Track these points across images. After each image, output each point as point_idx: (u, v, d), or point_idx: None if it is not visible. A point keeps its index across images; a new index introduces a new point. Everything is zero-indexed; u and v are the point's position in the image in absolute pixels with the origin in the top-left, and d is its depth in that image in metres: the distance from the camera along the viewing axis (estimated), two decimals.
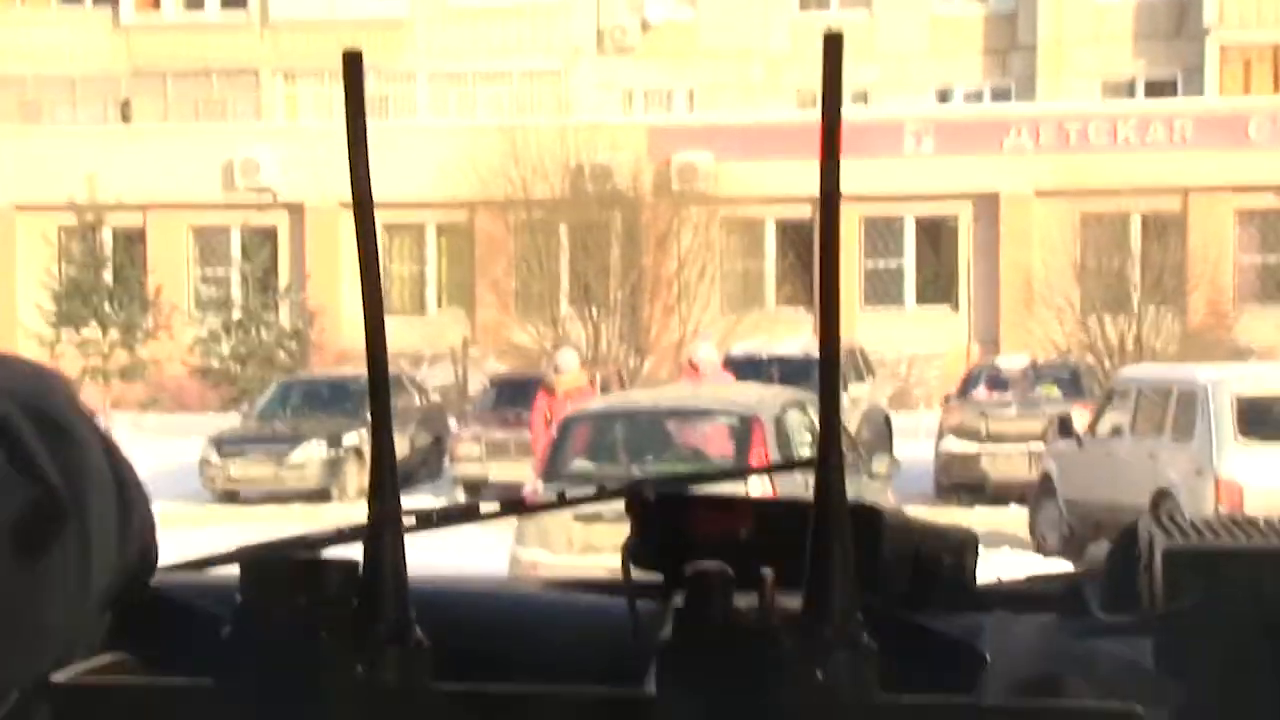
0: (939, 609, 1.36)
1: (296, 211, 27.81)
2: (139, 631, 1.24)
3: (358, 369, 22.05)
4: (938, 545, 1.44)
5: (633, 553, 1.36)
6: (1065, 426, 13.98)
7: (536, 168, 25.67)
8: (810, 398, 12.11)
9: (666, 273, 25.57)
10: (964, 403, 18.01)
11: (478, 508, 1.93)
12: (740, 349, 20.60)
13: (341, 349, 27.37)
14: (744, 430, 10.10)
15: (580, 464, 10.15)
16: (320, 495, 17.58)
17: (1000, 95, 29.80)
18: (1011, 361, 19.62)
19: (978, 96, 29.95)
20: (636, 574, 1.35)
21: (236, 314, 26.09)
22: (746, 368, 18.28)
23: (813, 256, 26.80)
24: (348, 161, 1.04)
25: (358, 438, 18.08)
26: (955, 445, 17.05)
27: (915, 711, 1.09)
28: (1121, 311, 22.88)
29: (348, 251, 27.70)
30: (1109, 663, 1.27)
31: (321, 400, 19.07)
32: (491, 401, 17.76)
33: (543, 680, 1.20)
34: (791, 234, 27.25)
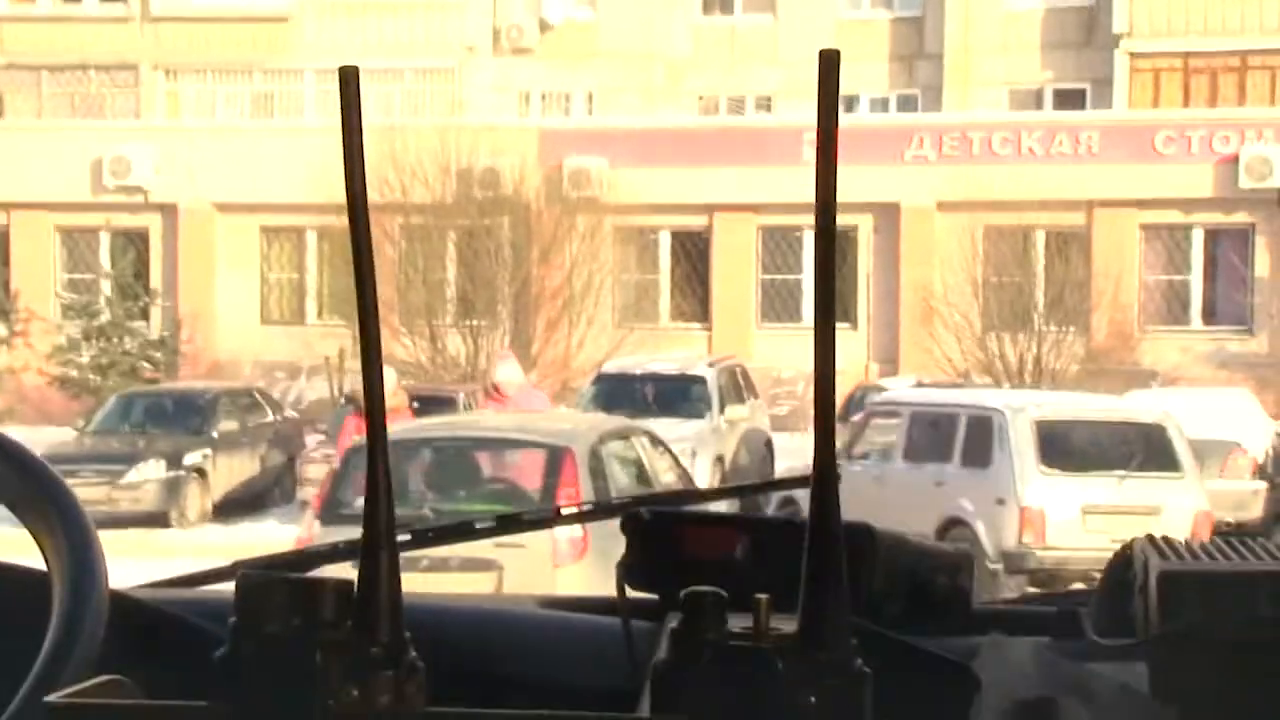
0: (933, 631, 1.39)
1: (170, 213, 26.64)
2: (133, 650, 1.27)
3: (209, 382, 21.09)
4: (932, 566, 1.47)
5: (628, 573, 1.42)
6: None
7: (419, 171, 24.78)
8: (641, 428, 11.16)
9: (554, 283, 24.80)
10: (842, 428, 17.18)
11: (472, 525, 1.96)
12: (614, 365, 19.68)
13: (216, 360, 26.27)
14: (554, 462, 9.04)
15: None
16: (158, 519, 16.45)
17: (907, 104, 29.16)
18: (894, 385, 18.85)
19: (884, 105, 29.31)
20: (632, 594, 1.40)
21: (102, 320, 24.80)
22: (618, 385, 17.37)
23: (709, 269, 26.16)
24: (344, 178, 1.03)
25: (201, 457, 16.94)
26: None
27: None
28: (1022, 331, 22.37)
29: (224, 256, 26.95)
30: (1103, 686, 1.29)
31: (165, 415, 17.93)
32: (344, 419, 16.66)
33: (538, 702, 1.21)
34: (688, 245, 26.58)
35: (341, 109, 1.03)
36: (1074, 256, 23.07)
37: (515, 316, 24.52)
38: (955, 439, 12.39)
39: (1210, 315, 24.46)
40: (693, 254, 26.36)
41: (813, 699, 1.03)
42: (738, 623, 1.05)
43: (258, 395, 19.27)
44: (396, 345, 23.72)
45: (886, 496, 11.98)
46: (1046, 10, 28.48)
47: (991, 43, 28.61)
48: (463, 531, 1.89)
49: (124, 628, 1.28)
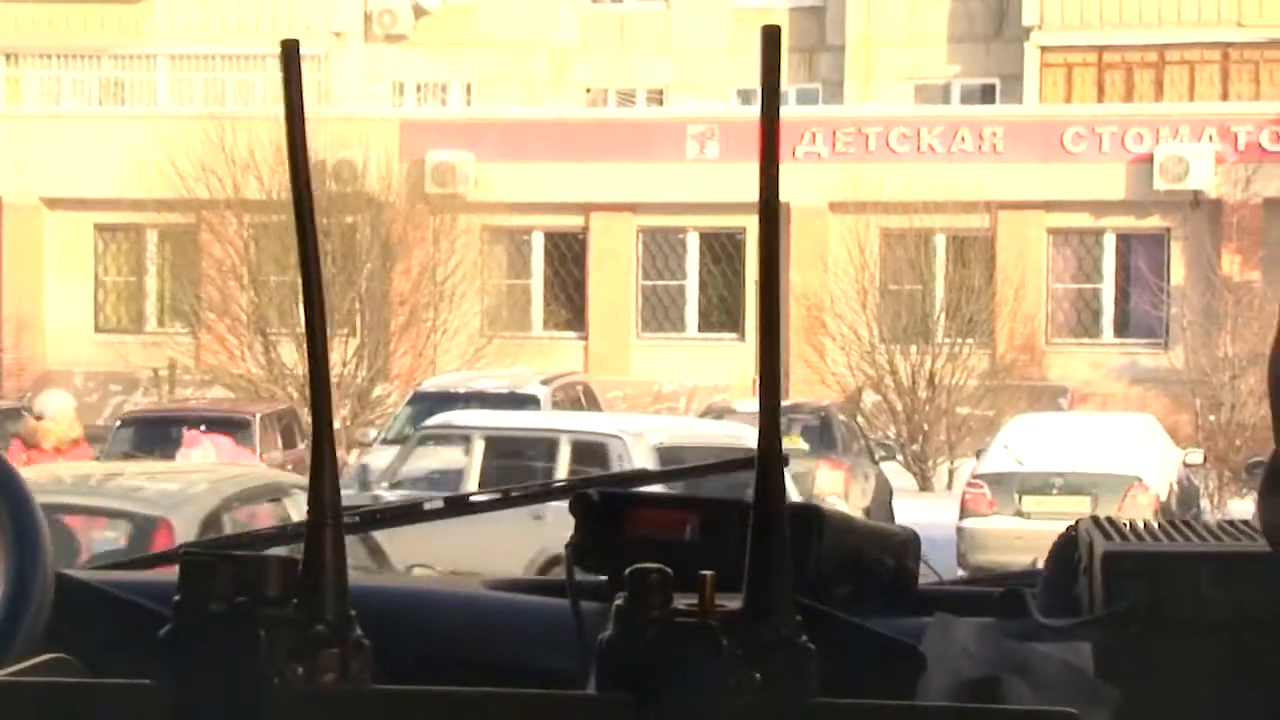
0: (880, 610, 1.45)
1: None
2: (79, 629, 1.34)
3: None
4: (880, 547, 1.53)
5: (577, 554, 1.47)
6: None
7: (273, 164, 22.74)
8: (299, 482, 8.59)
9: (410, 288, 23.02)
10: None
11: (421, 506, 2.06)
12: (434, 383, 17.86)
13: (46, 370, 24.16)
14: (139, 540, 6.82)
15: None
16: None
17: (807, 98, 27.60)
18: (749, 405, 17.14)
19: (783, 100, 27.57)
20: (582, 575, 1.45)
21: None
22: (438, 406, 15.55)
23: (585, 273, 24.53)
24: (287, 158, 1.07)
25: None
26: None
27: (853, 713, 1.12)
28: (918, 343, 21.19)
29: (54, 256, 24.92)
30: (1048, 665, 1.33)
31: None
32: (127, 443, 14.71)
33: (486, 682, 1.24)
34: (563, 248, 24.85)
35: (284, 86, 1.07)
36: (976, 262, 21.93)
37: (367, 324, 22.69)
38: (557, 467, 11.38)
39: (1123, 327, 23.35)
40: (567, 257, 24.93)
41: (757, 675, 1.06)
42: (687, 602, 1.07)
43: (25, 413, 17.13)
44: (225, 356, 21.86)
45: (471, 530, 10.10)
46: (953, 1, 26.93)
47: (896, 34, 27.12)
48: (410, 514, 2.03)
49: (70, 608, 1.37)
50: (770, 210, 1.04)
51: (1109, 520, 1.47)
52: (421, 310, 23.06)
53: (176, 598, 1.09)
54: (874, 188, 21.77)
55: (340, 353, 21.89)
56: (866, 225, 22.01)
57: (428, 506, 1.95)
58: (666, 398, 23.39)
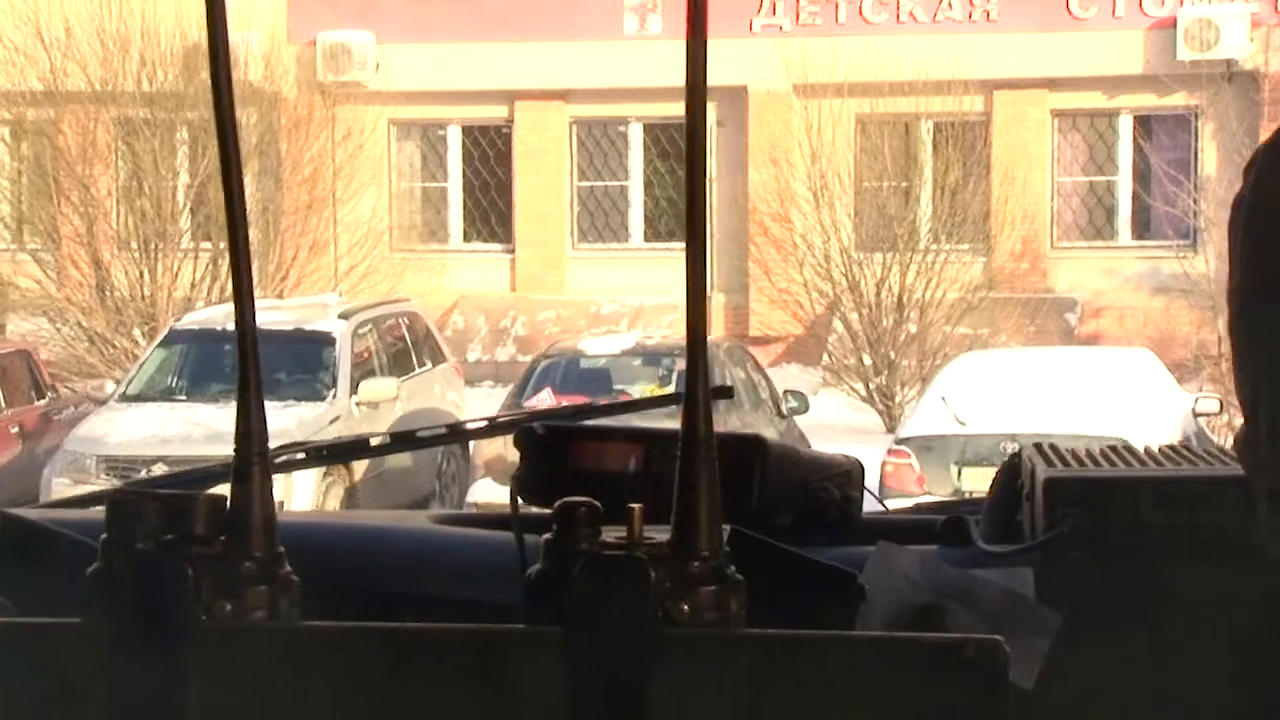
0: (823, 540, 1.56)
1: None
2: (19, 566, 1.43)
3: None
4: (823, 476, 1.65)
5: (522, 486, 1.57)
6: None
7: (141, 50, 20.13)
8: None
9: (312, 195, 20.79)
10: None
11: (367, 441, 2.12)
12: (197, 317, 15.00)
13: None
14: None
15: None
16: None
17: None
18: (616, 343, 14.38)
19: None
20: (526, 508, 1.54)
21: None
22: (198, 348, 13.14)
23: (511, 174, 21.75)
24: (213, 102, 1.08)
25: None
26: None
27: (782, 643, 1.18)
28: (900, 250, 18.78)
29: None
30: (990, 592, 1.41)
31: None
32: None
33: (431, 617, 1.29)
34: (485, 144, 22.47)
35: (208, 32, 1.13)
36: (968, 153, 19.76)
37: (259, 239, 19.91)
38: None
39: (1142, 227, 21.14)
40: (490, 155, 22.32)
41: (685, 606, 1.11)
42: (619, 535, 1.13)
43: None
44: (98, 275, 19.13)
45: None
46: None
47: None
48: (352, 450, 2.19)
49: (11, 545, 1.47)
50: (696, 98, 1.01)
51: (1051, 447, 1.57)
52: (318, 223, 20.49)
53: (104, 536, 1.13)
54: (847, 66, 19.52)
55: (211, 271, 19.13)
56: (838, 111, 19.68)
57: (374, 443, 2.03)
58: (606, 319, 20.86)
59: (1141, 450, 1.55)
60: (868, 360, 17.99)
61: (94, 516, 1.64)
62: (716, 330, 21.07)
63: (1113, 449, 1.56)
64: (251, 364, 1.22)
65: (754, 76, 20.41)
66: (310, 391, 13.06)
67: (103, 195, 19.98)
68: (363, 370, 13.80)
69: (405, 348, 14.94)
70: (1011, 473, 1.58)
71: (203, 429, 11.57)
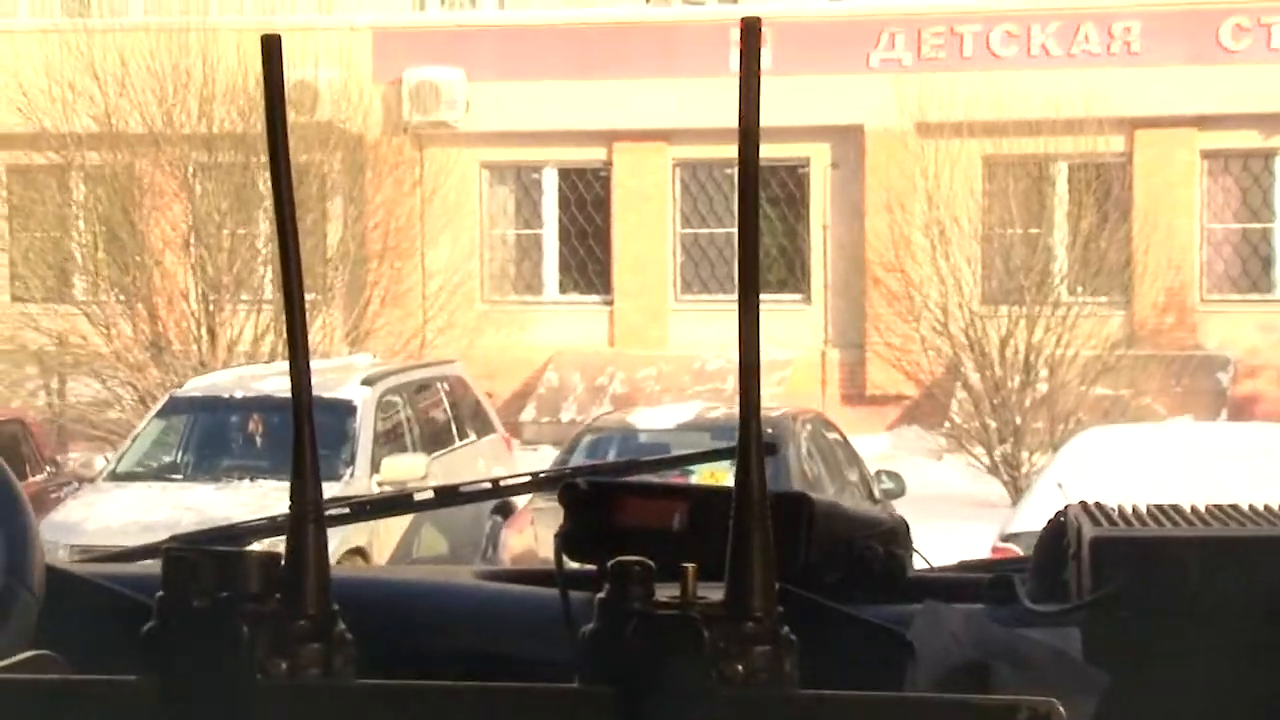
0: (870, 598, 1.57)
1: None
2: (68, 624, 1.44)
3: None
4: (870, 534, 1.66)
5: (566, 544, 1.59)
6: None
7: (214, 91, 19.48)
8: None
9: (397, 242, 20.11)
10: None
11: (411, 497, 2.16)
12: (202, 382, 13.65)
13: None
14: None
15: None
16: None
17: None
18: (672, 415, 13.03)
19: None
20: (571, 566, 1.56)
21: None
22: (203, 417, 12.29)
23: (609, 220, 21.00)
24: (268, 153, 1.12)
25: None
26: None
27: (835, 705, 1.19)
28: (1032, 304, 17.81)
29: None
30: (1037, 651, 1.43)
31: None
32: None
33: (475, 674, 1.31)
34: (582, 187, 22.37)
35: (264, 82, 1.11)
36: (1105, 197, 18.91)
37: (338, 289, 19.59)
38: None
39: None
40: (587, 200, 21.68)
41: (739, 667, 1.12)
42: (672, 594, 1.13)
43: None
44: (153, 330, 18.41)
45: None
46: None
47: None
48: (396, 505, 2.18)
49: (59, 602, 1.49)
50: (749, 143, 1.06)
51: (1098, 505, 1.58)
52: (403, 272, 20.27)
53: (159, 593, 1.15)
54: (974, 103, 18.70)
55: (322, 322, 18.69)
56: (965, 152, 18.87)
57: (419, 498, 2.04)
58: (711, 376, 20.05)
59: (1189, 510, 1.57)
60: (992, 424, 16.88)
61: (142, 571, 1.71)
62: (831, 390, 20.00)
63: (1159, 508, 1.58)
64: (306, 420, 1.23)
65: (871, 115, 19.95)
66: (324, 469, 11.66)
67: (158, 245, 19.30)
68: (389, 445, 12.61)
69: (444, 417, 13.75)
70: (1057, 531, 1.61)
71: (194, 514, 10.30)
